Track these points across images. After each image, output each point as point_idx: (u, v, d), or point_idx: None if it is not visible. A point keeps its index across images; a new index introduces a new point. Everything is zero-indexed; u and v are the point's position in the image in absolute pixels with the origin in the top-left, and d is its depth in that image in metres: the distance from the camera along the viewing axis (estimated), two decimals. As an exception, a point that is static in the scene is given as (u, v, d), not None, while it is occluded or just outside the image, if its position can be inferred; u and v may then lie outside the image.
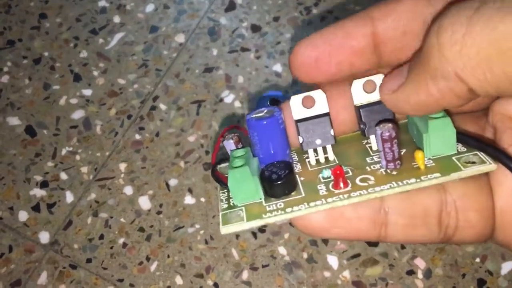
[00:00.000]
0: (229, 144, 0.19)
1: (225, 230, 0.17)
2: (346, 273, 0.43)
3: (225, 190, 0.19)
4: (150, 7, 0.57)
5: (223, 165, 0.20)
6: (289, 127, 0.19)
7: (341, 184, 0.17)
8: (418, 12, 0.17)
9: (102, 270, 0.44)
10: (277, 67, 0.52)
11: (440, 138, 0.18)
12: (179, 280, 0.43)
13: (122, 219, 0.46)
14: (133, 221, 0.46)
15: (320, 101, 0.19)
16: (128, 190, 0.47)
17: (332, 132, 0.19)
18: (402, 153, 0.19)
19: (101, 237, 0.45)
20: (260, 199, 0.18)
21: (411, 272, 0.42)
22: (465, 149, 0.18)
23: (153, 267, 0.44)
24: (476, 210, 0.18)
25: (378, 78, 0.19)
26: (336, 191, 0.17)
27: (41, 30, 0.57)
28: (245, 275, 0.43)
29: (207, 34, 0.55)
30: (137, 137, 0.50)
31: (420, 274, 0.42)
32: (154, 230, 0.45)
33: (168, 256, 0.44)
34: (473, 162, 0.17)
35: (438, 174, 0.17)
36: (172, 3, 0.57)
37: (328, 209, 0.17)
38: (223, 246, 0.44)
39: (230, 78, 0.52)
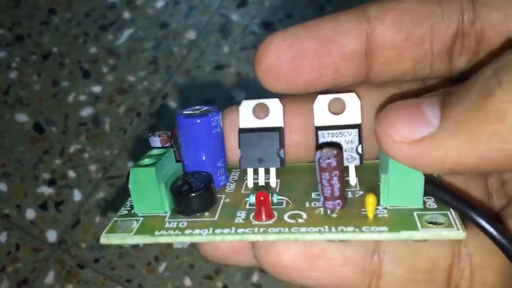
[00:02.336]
0: (155, 141, 0.17)
1: (104, 240, 0.14)
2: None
3: None
4: (160, 3, 0.56)
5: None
6: (231, 137, 0.16)
7: (263, 215, 0.14)
8: (425, 13, 0.14)
9: (110, 270, 0.43)
10: (289, 65, 0.51)
11: (402, 184, 0.14)
12: (188, 282, 0.42)
13: (130, 219, 0.45)
14: (142, 220, 0.45)
15: (275, 113, 0.16)
16: (137, 189, 0.46)
17: (281, 153, 0.16)
18: (357, 196, 0.15)
19: (109, 236, 0.45)
20: (166, 212, 0.15)
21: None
22: (436, 206, 0.14)
23: (161, 267, 0.43)
24: (496, 269, 0.14)
25: (348, 98, 0.15)
26: (254, 222, 0.14)
27: (50, 25, 0.57)
28: (255, 277, 0.42)
29: (218, 30, 0.54)
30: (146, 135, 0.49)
31: None
32: (163, 230, 0.44)
33: (177, 257, 0.43)
34: (439, 223, 0.13)
35: (385, 228, 0.13)
36: (183, -1, 0.56)
37: (303, 243, 0.14)
38: (233, 247, 0.43)
39: (241, 76, 0.51)
